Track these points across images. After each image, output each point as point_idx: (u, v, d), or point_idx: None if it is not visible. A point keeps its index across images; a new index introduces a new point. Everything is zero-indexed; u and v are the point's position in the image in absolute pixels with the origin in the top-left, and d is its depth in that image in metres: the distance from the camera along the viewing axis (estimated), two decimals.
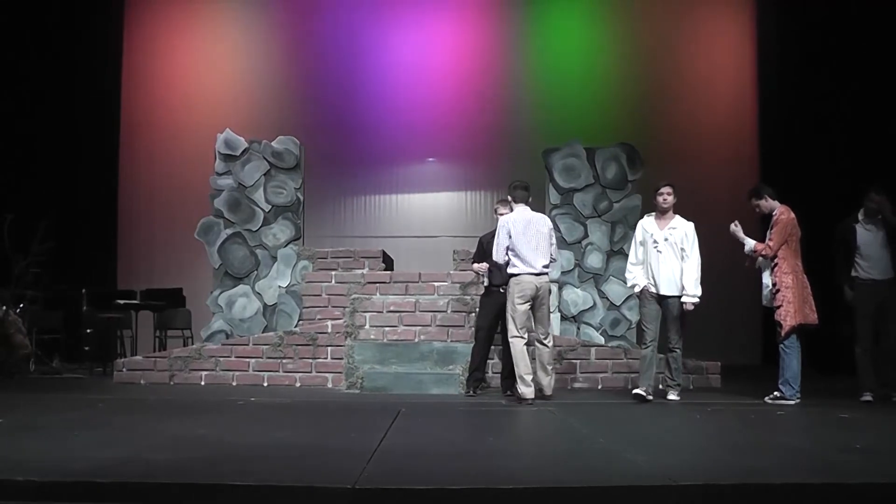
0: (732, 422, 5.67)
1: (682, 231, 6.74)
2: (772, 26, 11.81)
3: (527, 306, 6.55)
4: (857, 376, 6.80)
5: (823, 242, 7.29)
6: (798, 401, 6.47)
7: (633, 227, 9.27)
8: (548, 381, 6.70)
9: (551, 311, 7.14)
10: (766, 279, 6.71)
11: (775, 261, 6.62)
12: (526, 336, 6.57)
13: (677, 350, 6.76)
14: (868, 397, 6.68)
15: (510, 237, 6.57)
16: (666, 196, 6.78)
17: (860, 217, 6.94)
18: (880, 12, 9.65)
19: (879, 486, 3.44)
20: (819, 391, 7.00)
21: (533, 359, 6.65)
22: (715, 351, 8.62)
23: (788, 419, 5.74)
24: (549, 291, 6.78)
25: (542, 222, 6.73)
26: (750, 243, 6.73)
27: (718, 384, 7.77)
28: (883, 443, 4.67)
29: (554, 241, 6.78)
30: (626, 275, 6.96)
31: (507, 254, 6.58)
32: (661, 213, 6.81)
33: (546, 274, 6.65)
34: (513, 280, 6.57)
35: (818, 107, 10.64)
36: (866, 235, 6.87)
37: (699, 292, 6.65)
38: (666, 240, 6.69)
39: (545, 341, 6.70)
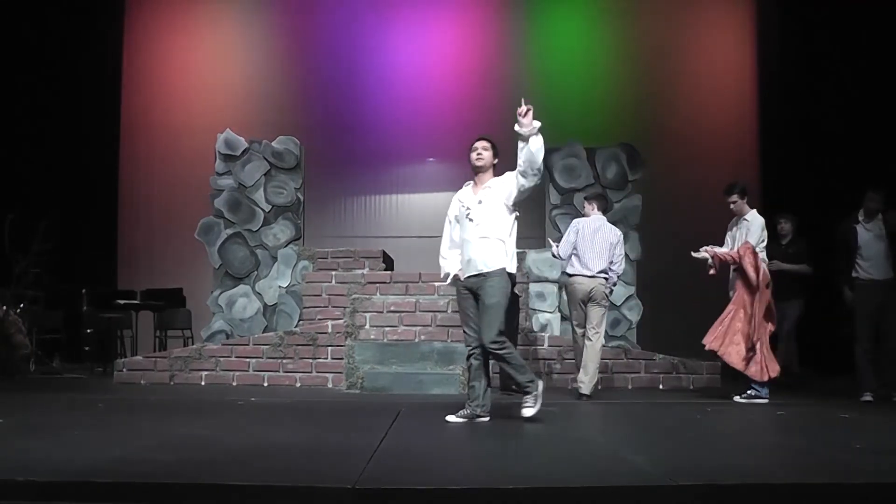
0: (732, 422, 5.67)
1: (506, 188, 5.27)
2: (772, 26, 11.81)
3: (579, 305, 6.94)
4: (857, 376, 6.81)
5: (823, 243, 7.30)
6: (768, 399, 6.54)
7: (634, 228, 9.37)
8: (586, 380, 6.82)
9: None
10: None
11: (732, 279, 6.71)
12: (580, 331, 7.00)
13: (504, 348, 5.10)
14: (868, 397, 6.69)
15: (576, 238, 6.95)
16: (481, 151, 5.35)
17: (860, 217, 6.95)
18: (880, 12, 9.66)
19: (879, 486, 3.44)
20: (819, 391, 7.00)
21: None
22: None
23: (788, 419, 5.74)
24: (605, 293, 6.93)
25: (613, 233, 7.02)
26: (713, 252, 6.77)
27: (718, 384, 7.77)
28: (883, 443, 4.66)
29: (620, 252, 7.01)
30: (440, 262, 5.51)
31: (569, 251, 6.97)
32: (476, 173, 5.38)
33: (599, 277, 6.89)
34: (567, 280, 7.04)
35: (818, 107, 10.64)
36: (867, 236, 6.88)
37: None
38: (480, 202, 5.27)
39: (591, 335, 6.91)
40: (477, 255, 5.20)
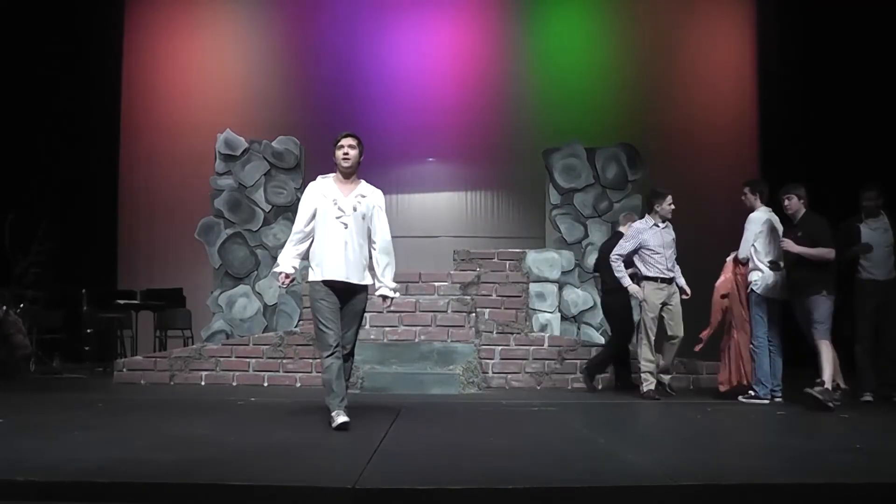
0: (732, 422, 5.67)
1: (373, 201, 5.16)
2: (772, 26, 11.81)
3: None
4: (857, 376, 6.81)
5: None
6: (770, 400, 6.48)
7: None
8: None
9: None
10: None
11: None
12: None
13: (353, 358, 5.20)
14: (868, 397, 6.68)
15: None
16: (348, 150, 5.05)
17: (863, 217, 6.94)
18: (880, 11, 9.66)
19: (879, 486, 3.44)
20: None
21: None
22: (715, 351, 8.62)
23: (788, 419, 5.74)
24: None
25: None
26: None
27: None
28: (883, 443, 4.67)
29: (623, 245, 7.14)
30: (282, 257, 5.23)
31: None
32: (345, 176, 5.14)
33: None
34: None
35: (818, 106, 10.65)
36: (871, 235, 6.86)
37: (396, 286, 5.29)
38: (355, 209, 5.06)
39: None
40: (350, 266, 4.99)
